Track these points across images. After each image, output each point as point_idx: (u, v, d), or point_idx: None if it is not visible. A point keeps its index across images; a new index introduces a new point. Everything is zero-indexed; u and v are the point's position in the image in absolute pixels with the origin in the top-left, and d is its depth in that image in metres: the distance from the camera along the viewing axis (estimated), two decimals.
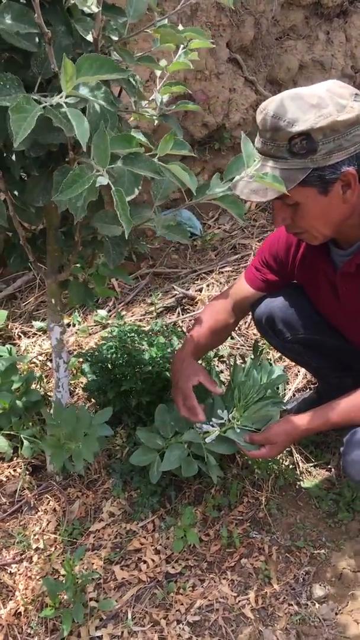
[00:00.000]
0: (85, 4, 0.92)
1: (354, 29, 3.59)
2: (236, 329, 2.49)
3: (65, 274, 1.48)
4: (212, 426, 1.61)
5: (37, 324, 2.48)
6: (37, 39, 1.00)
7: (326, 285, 1.54)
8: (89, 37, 1.02)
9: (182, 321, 2.54)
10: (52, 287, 1.53)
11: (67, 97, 0.89)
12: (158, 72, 1.45)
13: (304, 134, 1.16)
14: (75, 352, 2.30)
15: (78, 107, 0.95)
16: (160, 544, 1.66)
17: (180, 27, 1.27)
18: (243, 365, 1.69)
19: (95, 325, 2.50)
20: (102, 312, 2.51)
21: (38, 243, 1.50)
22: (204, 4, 2.83)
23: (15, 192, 1.26)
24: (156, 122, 1.46)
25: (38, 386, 2.06)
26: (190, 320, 2.54)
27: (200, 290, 2.72)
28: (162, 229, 1.18)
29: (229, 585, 1.58)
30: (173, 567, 1.61)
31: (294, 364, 2.29)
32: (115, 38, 1.17)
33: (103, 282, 1.54)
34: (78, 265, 1.54)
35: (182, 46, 1.34)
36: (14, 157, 1.19)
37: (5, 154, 1.17)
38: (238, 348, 2.41)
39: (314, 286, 1.60)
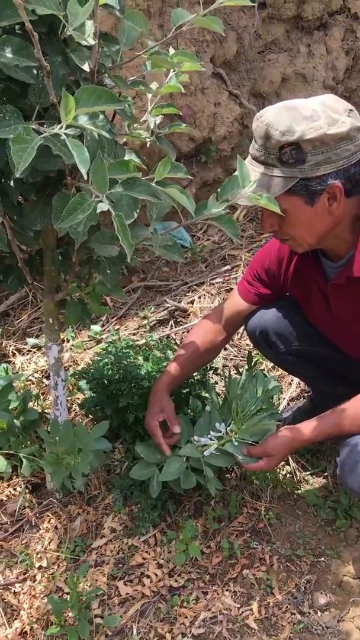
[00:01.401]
0: (83, 37, 0.95)
1: (334, 41, 3.66)
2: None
3: (63, 293, 1.50)
4: (210, 439, 1.63)
5: (31, 340, 2.49)
6: (35, 71, 1.03)
7: (318, 297, 1.58)
8: (85, 67, 1.04)
9: (175, 333, 2.56)
10: (49, 307, 1.55)
11: (66, 127, 0.91)
12: (149, 95, 1.48)
13: (293, 144, 1.21)
14: (70, 368, 2.31)
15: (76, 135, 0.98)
16: (163, 558, 1.67)
17: (172, 50, 1.31)
18: (238, 378, 1.71)
19: (89, 341, 2.51)
20: (96, 327, 2.53)
21: (35, 264, 1.51)
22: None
23: (14, 216, 1.28)
24: (149, 143, 1.49)
25: (35, 404, 2.07)
26: (183, 332, 2.57)
27: (192, 302, 2.75)
28: (160, 249, 1.21)
29: (231, 596, 1.60)
30: (176, 581, 1.62)
31: (287, 373, 2.32)
32: (108, 65, 1.20)
33: (99, 300, 1.56)
34: (74, 284, 1.56)
35: (172, 69, 1.37)
36: (11, 183, 1.21)
37: (3, 180, 1.19)
38: (231, 359, 2.44)
39: (307, 298, 1.64)
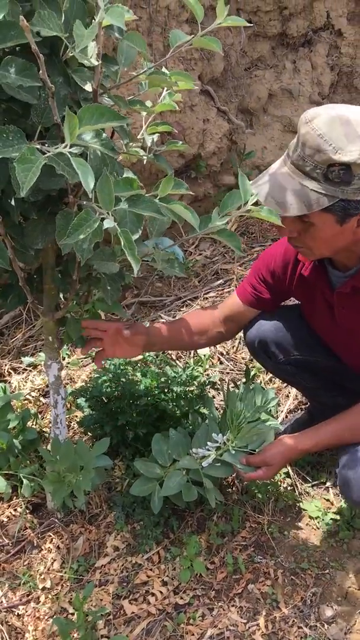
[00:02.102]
0: (86, 57, 0.96)
1: (319, 57, 3.72)
2: (224, 353, 2.53)
3: (63, 311, 1.50)
4: (208, 450, 1.63)
5: (27, 359, 2.48)
6: (37, 91, 1.04)
7: (322, 304, 1.58)
8: (87, 87, 1.06)
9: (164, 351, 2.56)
10: (49, 325, 1.55)
11: (70, 146, 0.92)
12: (143, 113, 1.50)
13: (344, 165, 1.16)
14: (67, 386, 2.30)
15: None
16: (167, 575, 1.66)
17: (164, 69, 1.33)
18: (237, 391, 1.72)
19: (85, 358, 2.51)
20: None
21: (34, 282, 1.51)
22: None
23: (15, 235, 1.28)
24: (145, 160, 1.51)
25: (33, 423, 2.06)
26: None
27: None
28: (163, 264, 1.21)
29: (237, 612, 1.59)
30: (181, 598, 1.61)
31: (284, 386, 2.33)
32: (107, 85, 1.22)
33: (98, 317, 1.56)
34: (73, 302, 1.56)
35: (165, 88, 1.39)
36: (12, 202, 1.21)
37: (4, 199, 1.20)
38: (228, 373, 2.45)
39: (311, 304, 1.64)
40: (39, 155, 0.92)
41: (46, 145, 1.04)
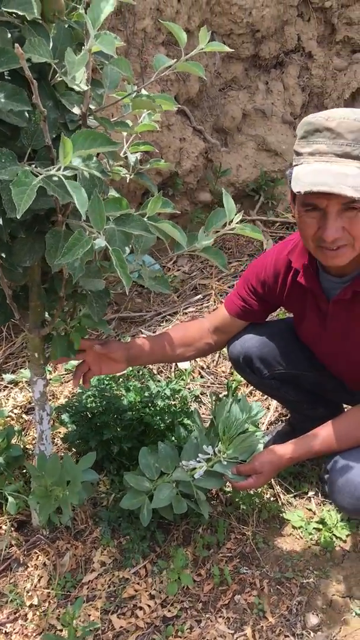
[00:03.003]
0: (75, 82, 0.99)
1: (291, 78, 3.83)
2: (205, 367, 2.56)
3: (49, 328, 1.52)
4: (199, 462, 1.65)
5: (8, 376, 2.48)
6: (27, 115, 1.07)
7: (314, 313, 1.60)
8: (76, 110, 1.09)
9: (151, 364, 2.59)
10: (35, 342, 1.56)
11: (64, 169, 0.96)
12: (124, 133, 1.54)
13: None
14: (50, 402, 2.31)
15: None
16: (155, 589, 1.67)
17: (144, 91, 1.37)
18: (225, 400, 1.75)
19: (66, 374, 2.52)
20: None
21: (20, 300, 1.53)
22: (152, 61, 2.98)
23: (2, 254, 1.30)
24: (128, 179, 1.55)
25: (17, 440, 2.06)
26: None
27: None
28: (150, 281, 1.25)
29: (225, 623, 1.61)
30: (169, 611, 1.62)
31: (264, 398, 2.38)
32: (93, 107, 1.25)
33: (84, 334, 1.58)
34: (59, 318, 1.58)
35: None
36: (0, 221, 1.23)
37: None
38: (208, 386, 2.48)
39: (301, 312, 1.66)
40: (33, 178, 0.94)
41: (34, 166, 1.07)
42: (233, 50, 1.43)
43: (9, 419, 2.22)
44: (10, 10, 0.99)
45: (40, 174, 0.98)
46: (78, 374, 1.67)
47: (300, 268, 1.54)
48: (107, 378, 2.02)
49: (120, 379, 2.10)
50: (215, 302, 2.98)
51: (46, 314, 1.57)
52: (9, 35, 1.07)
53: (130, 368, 2.23)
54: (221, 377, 2.52)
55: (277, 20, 3.55)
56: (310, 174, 1.23)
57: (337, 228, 1.28)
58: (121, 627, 1.58)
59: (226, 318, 1.77)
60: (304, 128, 1.29)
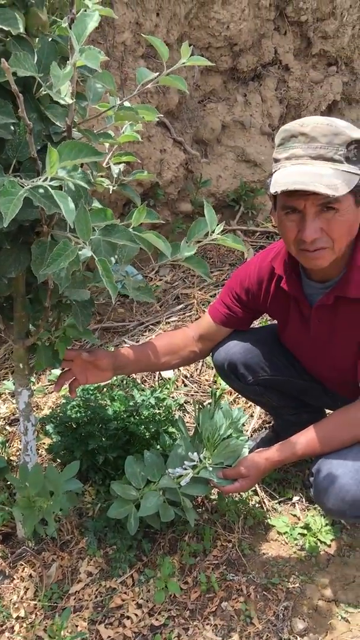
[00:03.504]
0: (60, 96, 1.01)
1: (268, 90, 3.89)
2: (188, 375, 2.58)
3: (33, 338, 1.52)
4: (185, 469, 1.66)
5: None
6: (12, 127, 1.08)
7: (297, 317, 1.63)
8: (59, 123, 1.11)
9: (136, 373, 2.60)
10: (20, 352, 1.57)
11: (50, 180, 0.97)
12: (106, 144, 1.56)
13: (357, 142, 1.27)
14: (35, 413, 2.30)
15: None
16: (142, 598, 1.67)
17: (127, 103, 1.39)
18: (208, 408, 1.77)
19: (49, 385, 2.51)
20: (56, 372, 2.53)
21: (4, 310, 1.53)
22: (132, 74, 3.02)
23: None
24: (111, 190, 1.57)
25: (2, 452, 2.05)
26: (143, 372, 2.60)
27: None
28: (134, 291, 1.26)
29: (212, 630, 1.61)
30: (157, 619, 1.62)
31: (248, 405, 2.40)
32: (77, 120, 1.27)
33: (69, 344, 1.59)
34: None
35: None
36: None
37: None
38: (192, 395, 2.49)
39: (284, 318, 1.68)
40: (19, 188, 0.96)
41: (20, 178, 1.08)
42: (213, 63, 1.45)
43: None
44: None
45: (26, 185, 1.00)
46: (60, 381, 1.67)
47: (283, 274, 1.57)
48: (92, 388, 2.03)
49: (105, 389, 2.11)
50: (197, 311, 3.01)
51: (30, 325, 1.57)
52: None
53: (115, 377, 2.24)
54: (205, 385, 2.54)
55: (255, 33, 3.61)
56: (287, 175, 1.28)
57: (316, 228, 1.31)
58: (109, 636, 1.58)
59: (211, 326, 1.79)
60: (281, 136, 1.34)
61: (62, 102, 1.01)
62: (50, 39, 1.15)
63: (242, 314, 1.75)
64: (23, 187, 0.99)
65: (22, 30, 1.02)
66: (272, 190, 1.29)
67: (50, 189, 0.95)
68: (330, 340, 1.57)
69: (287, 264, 1.56)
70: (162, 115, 1.67)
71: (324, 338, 1.59)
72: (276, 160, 1.36)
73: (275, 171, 1.35)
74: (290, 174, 1.28)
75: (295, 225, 1.35)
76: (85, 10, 1.09)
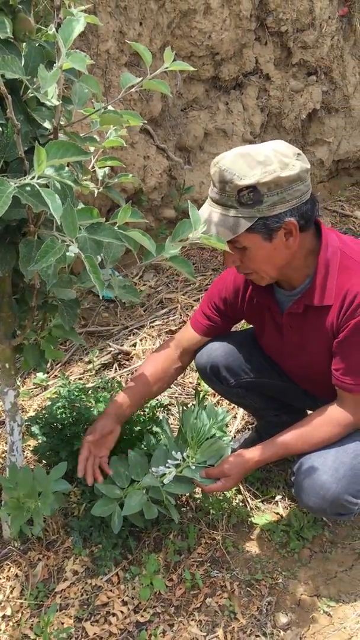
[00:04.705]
0: (47, 97, 1.04)
1: (250, 99, 3.96)
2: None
3: (20, 338, 1.54)
4: (168, 467, 1.68)
5: None
6: (0, 128, 1.11)
7: (271, 325, 1.68)
8: (47, 125, 1.14)
9: (121, 376, 2.62)
10: (7, 353, 1.59)
11: (38, 178, 1.00)
12: (92, 148, 1.59)
13: (251, 187, 1.33)
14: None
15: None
16: (127, 595, 1.69)
17: (111, 108, 1.43)
18: (192, 408, 1.79)
19: (34, 388, 2.52)
20: (41, 375, 2.55)
21: None
22: (115, 81, 3.06)
23: None
24: (96, 193, 1.60)
25: None
26: (128, 374, 2.63)
27: (135, 345, 2.83)
28: (120, 290, 1.29)
29: (197, 625, 1.63)
30: (142, 616, 1.64)
31: (231, 407, 2.43)
32: (63, 123, 1.30)
33: (55, 344, 1.61)
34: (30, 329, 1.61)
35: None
36: None
37: None
38: (176, 397, 2.52)
39: (261, 325, 1.74)
40: (9, 185, 0.99)
41: (7, 178, 1.11)
42: (195, 69, 1.50)
43: None
44: None
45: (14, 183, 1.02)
46: (89, 471, 1.69)
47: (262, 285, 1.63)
48: (77, 389, 2.05)
49: (90, 391, 2.13)
50: (181, 315, 3.04)
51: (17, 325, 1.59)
52: None
53: (100, 379, 2.27)
54: (188, 388, 2.57)
55: (236, 43, 3.68)
56: (201, 213, 1.39)
57: (231, 260, 1.47)
58: (95, 634, 1.59)
59: (193, 337, 1.84)
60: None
61: (48, 103, 1.04)
62: (37, 44, 1.18)
63: (221, 323, 1.81)
64: (11, 185, 1.02)
65: (9, 34, 1.05)
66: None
67: (37, 186, 0.98)
68: (304, 345, 1.62)
69: None
70: (146, 122, 1.71)
71: (297, 343, 1.63)
72: None
73: None
74: (202, 212, 1.40)
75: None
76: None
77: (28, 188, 1.05)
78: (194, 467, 1.66)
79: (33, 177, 1.00)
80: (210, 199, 1.42)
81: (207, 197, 1.44)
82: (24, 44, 1.17)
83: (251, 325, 1.86)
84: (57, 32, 0.99)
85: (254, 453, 1.62)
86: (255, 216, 1.36)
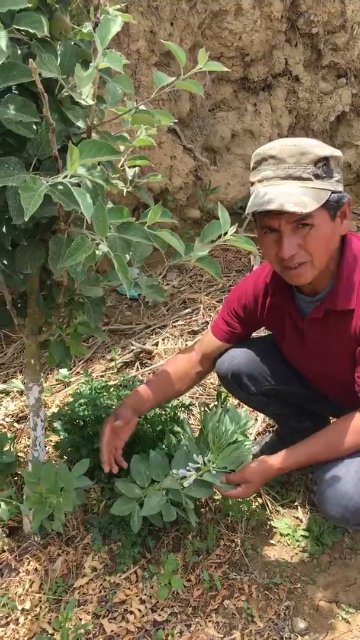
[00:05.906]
0: (82, 97, 1.05)
1: (278, 100, 3.94)
2: None
3: (46, 334, 1.56)
4: (189, 471, 1.68)
5: None
6: (34, 127, 1.12)
7: (292, 331, 1.67)
8: (80, 124, 1.15)
9: (142, 375, 2.63)
10: (32, 348, 1.60)
11: (70, 177, 1.01)
12: (122, 147, 1.60)
13: (324, 159, 1.32)
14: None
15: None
16: (145, 594, 1.69)
17: (142, 107, 1.43)
18: (214, 411, 1.79)
19: (57, 384, 2.54)
20: (64, 371, 2.57)
21: (18, 307, 1.57)
22: (145, 81, 3.07)
23: (4, 261, 1.34)
24: (125, 192, 1.60)
25: (10, 447, 2.08)
26: (149, 373, 2.64)
27: (157, 344, 2.83)
28: (147, 289, 1.30)
29: (214, 627, 1.63)
30: (159, 615, 1.64)
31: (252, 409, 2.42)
32: (95, 121, 1.31)
33: (80, 341, 1.63)
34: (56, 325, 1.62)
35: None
36: (4, 229, 1.28)
37: None
38: (197, 397, 2.52)
39: (281, 331, 1.72)
40: (41, 184, 0.99)
41: (40, 176, 1.12)
42: (229, 70, 1.50)
43: (0, 427, 2.24)
44: (21, 28, 1.05)
45: (47, 182, 1.03)
46: (107, 458, 1.70)
47: (275, 289, 1.63)
48: (99, 387, 2.06)
49: (112, 389, 2.14)
50: (203, 315, 3.04)
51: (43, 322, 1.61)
52: (19, 51, 1.13)
53: (122, 377, 2.28)
54: (209, 388, 2.57)
55: (266, 44, 3.66)
56: (257, 197, 1.34)
57: (292, 245, 1.36)
58: (112, 631, 1.60)
59: (214, 344, 1.84)
60: (254, 160, 1.41)
61: (83, 103, 1.05)
62: (72, 43, 1.19)
63: (241, 330, 1.80)
64: (44, 183, 1.03)
65: (46, 33, 1.06)
66: (246, 212, 1.37)
67: (69, 185, 0.99)
68: (326, 351, 1.60)
69: (279, 278, 1.59)
70: (176, 121, 1.72)
71: (320, 350, 1.61)
72: (252, 184, 1.42)
73: (251, 193, 1.41)
74: (261, 195, 1.33)
75: (274, 244, 1.40)
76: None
77: (60, 187, 1.06)
78: (214, 472, 1.66)
79: (65, 176, 1.01)
80: (279, 178, 1.34)
81: (263, 180, 1.37)
82: (59, 42, 1.18)
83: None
84: (94, 31, 1.00)
85: (276, 460, 1.61)
86: (329, 189, 1.33)
